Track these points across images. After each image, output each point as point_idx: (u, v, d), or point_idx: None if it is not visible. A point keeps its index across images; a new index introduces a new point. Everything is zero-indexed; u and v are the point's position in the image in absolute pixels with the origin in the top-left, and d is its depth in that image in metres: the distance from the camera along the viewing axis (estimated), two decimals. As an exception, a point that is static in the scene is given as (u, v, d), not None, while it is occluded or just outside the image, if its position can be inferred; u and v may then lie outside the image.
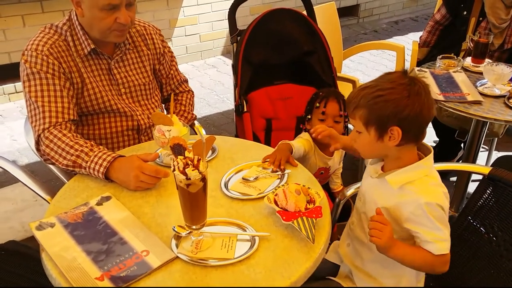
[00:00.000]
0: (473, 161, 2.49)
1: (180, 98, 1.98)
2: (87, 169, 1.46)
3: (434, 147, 3.20)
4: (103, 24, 1.58)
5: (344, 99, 1.86)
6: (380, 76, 1.26)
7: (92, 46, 1.65)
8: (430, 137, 3.45)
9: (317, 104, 1.86)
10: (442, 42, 2.92)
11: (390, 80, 1.22)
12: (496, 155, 3.12)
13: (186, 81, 2.04)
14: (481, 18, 2.70)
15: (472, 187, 1.62)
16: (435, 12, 2.95)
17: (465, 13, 2.76)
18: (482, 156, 3.11)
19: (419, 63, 2.89)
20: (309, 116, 1.90)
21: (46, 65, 1.58)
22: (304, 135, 1.90)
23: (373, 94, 1.21)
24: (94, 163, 1.44)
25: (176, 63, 1.99)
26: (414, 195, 1.24)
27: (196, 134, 1.89)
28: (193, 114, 1.97)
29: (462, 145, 2.99)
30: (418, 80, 1.22)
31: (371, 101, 1.20)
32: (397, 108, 1.18)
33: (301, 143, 1.78)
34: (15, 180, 1.73)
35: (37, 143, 1.58)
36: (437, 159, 3.19)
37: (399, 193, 1.27)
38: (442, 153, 3.09)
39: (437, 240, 1.22)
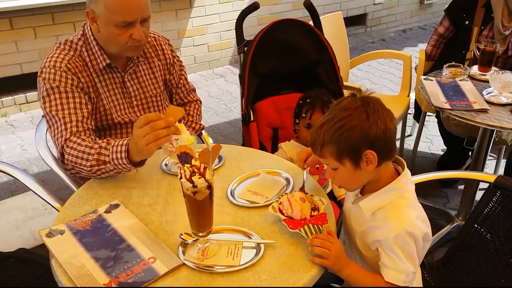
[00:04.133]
0: (481, 169, 2.48)
1: (188, 108, 2.00)
2: (111, 162, 1.45)
3: (442, 156, 3.21)
4: (118, 40, 1.60)
5: (329, 106, 1.91)
6: (331, 108, 1.26)
7: (108, 61, 1.67)
8: (439, 145, 3.45)
9: (303, 115, 1.94)
10: (445, 55, 2.92)
11: (343, 108, 1.20)
12: (504, 163, 3.11)
13: (194, 90, 2.07)
14: (483, 27, 2.71)
15: (480, 196, 1.62)
16: (437, 26, 2.96)
17: (467, 22, 2.76)
18: (490, 164, 3.11)
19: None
20: (297, 121, 1.99)
21: (64, 81, 1.60)
22: (281, 147, 2.02)
23: (334, 127, 1.19)
24: (115, 153, 1.44)
25: (185, 72, 2.01)
26: (385, 221, 1.22)
27: (204, 143, 1.91)
28: (200, 124, 1.99)
29: (470, 153, 2.98)
30: (369, 98, 1.22)
31: (335, 134, 1.19)
32: (363, 132, 1.17)
33: (281, 155, 1.93)
34: (25, 189, 1.76)
35: (62, 155, 1.58)
36: (445, 167, 3.20)
37: (371, 218, 1.26)
38: (450, 161, 3.09)
39: (394, 269, 1.20)
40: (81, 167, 1.51)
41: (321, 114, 1.92)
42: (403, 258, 1.19)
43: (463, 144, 2.78)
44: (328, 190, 2.10)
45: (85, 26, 1.69)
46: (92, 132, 1.64)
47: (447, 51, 2.95)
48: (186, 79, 2.01)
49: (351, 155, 1.20)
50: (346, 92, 2.38)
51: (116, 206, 1.40)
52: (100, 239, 1.25)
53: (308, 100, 1.94)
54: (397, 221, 1.21)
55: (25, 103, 4.01)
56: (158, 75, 1.85)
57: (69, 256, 1.19)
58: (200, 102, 2.07)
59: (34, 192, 1.71)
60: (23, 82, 3.89)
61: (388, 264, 1.21)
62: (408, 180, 1.27)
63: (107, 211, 1.37)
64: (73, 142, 1.54)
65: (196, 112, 2.00)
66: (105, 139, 1.55)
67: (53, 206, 1.65)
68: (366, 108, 1.18)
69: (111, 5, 1.54)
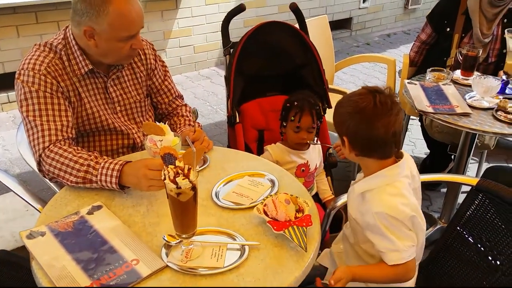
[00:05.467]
0: (463, 172, 2.51)
1: (179, 111, 1.93)
2: (98, 182, 1.44)
3: (425, 159, 3.25)
4: (120, 52, 1.59)
5: (316, 109, 1.98)
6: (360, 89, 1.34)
7: (90, 67, 1.63)
8: (422, 149, 3.49)
9: (292, 118, 1.95)
10: (427, 61, 2.95)
11: (351, 95, 1.32)
12: (486, 166, 3.15)
13: (181, 97, 1.99)
14: (463, 34, 2.75)
15: (462, 199, 1.64)
16: (420, 33, 2.99)
17: (448, 29, 2.80)
18: (472, 167, 3.15)
19: None
20: (285, 124, 2.00)
21: (44, 85, 1.56)
22: (267, 149, 2.04)
23: (336, 105, 1.35)
24: (104, 175, 1.43)
25: (170, 77, 1.94)
26: (369, 204, 1.29)
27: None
28: (198, 123, 1.95)
29: (452, 156, 3.02)
30: (369, 100, 1.25)
31: (334, 110, 1.35)
32: (341, 121, 1.31)
33: (267, 157, 1.97)
34: (6, 190, 1.72)
35: (39, 164, 1.54)
36: (427, 171, 3.24)
37: (360, 201, 1.34)
38: (433, 164, 3.13)
39: (389, 251, 1.27)
40: (64, 180, 1.49)
41: (310, 117, 1.93)
42: (389, 235, 1.25)
43: (446, 147, 2.82)
44: (313, 192, 2.11)
45: (67, 30, 1.64)
46: (73, 141, 1.60)
47: (429, 58, 2.99)
48: (170, 83, 1.93)
49: (338, 131, 1.35)
50: (331, 95, 2.39)
51: (99, 207, 1.38)
52: (82, 241, 1.24)
53: (296, 103, 1.94)
54: (379, 203, 1.27)
55: (7, 103, 3.94)
56: (141, 81, 1.81)
57: (50, 258, 1.17)
58: (190, 107, 1.98)
59: (15, 193, 1.68)
60: (4, 81, 3.82)
61: (383, 248, 1.28)
62: (401, 172, 1.32)
63: (90, 213, 1.35)
64: (54, 152, 1.50)
65: (189, 112, 1.92)
66: (92, 153, 1.51)
67: (34, 207, 1.63)
68: (358, 104, 1.26)
69: (116, 23, 1.51)
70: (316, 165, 2.07)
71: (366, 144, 1.29)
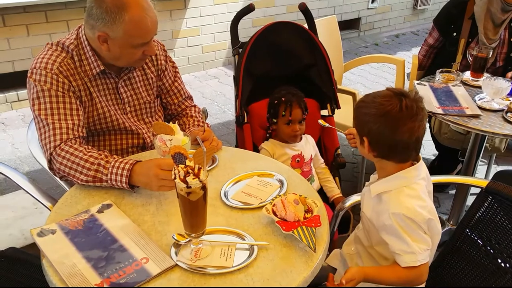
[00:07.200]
0: (472, 174, 2.50)
1: (188, 111, 1.95)
2: (108, 181, 1.45)
3: (433, 160, 3.24)
4: (132, 58, 1.61)
5: (303, 101, 2.05)
6: (382, 92, 1.33)
7: (102, 68, 1.64)
8: (430, 150, 3.47)
9: (283, 113, 2.02)
10: (435, 65, 2.93)
11: (375, 95, 1.31)
12: (495, 169, 3.14)
13: (191, 97, 2.00)
14: (470, 39, 2.73)
15: (471, 201, 1.63)
16: (427, 37, 2.97)
17: (454, 34, 2.78)
18: (481, 169, 3.13)
19: None
20: (275, 120, 2.06)
21: (56, 84, 1.57)
22: (262, 147, 2.10)
23: (359, 104, 1.35)
24: (114, 174, 1.43)
25: (180, 78, 1.95)
26: (386, 204, 1.30)
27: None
28: (207, 123, 1.96)
29: (461, 158, 3.00)
30: (395, 103, 1.25)
31: (356, 109, 1.36)
32: (363, 121, 1.31)
33: (265, 154, 2.05)
34: (15, 188, 1.74)
35: (50, 162, 1.55)
36: (436, 172, 3.23)
37: (376, 202, 1.35)
38: (441, 166, 3.11)
39: (404, 253, 1.28)
40: (74, 178, 1.50)
41: (299, 109, 2.02)
42: (405, 237, 1.26)
43: (454, 149, 2.80)
44: (314, 184, 2.12)
45: (79, 30, 1.65)
46: (83, 140, 1.61)
47: (436, 62, 2.96)
48: (180, 84, 1.94)
49: (358, 132, 1.36)
50: (340, 96, 2.39)
51: (109, 206, 1.39)
52: (92, 239, 1.24)
53: (283, 99, 2.02)
54: (396, 204, 1.28)
55: (16, 101, 3.97)
56: (152, 82, 1.82)
57: (60, 256, 1.18)
58: (199, 108, 1.99)
59: (26, 191, 1.70)
60: (14, 80, 3.86)
61: (397, 250, 1.29)
62: (419, 175, 1.33)
63: (100, 211, 1.36)
64: (65, 151, 1.51)
65: (199, 113, 1.94)
66: (102, 152, 1.52)
67: (44, 205, 1.64)
68: (383, 106, 1.26)
69: (132, 31, 1.52)
70: (311, 156, 2.11)
71: (387, 147, 1.29)
